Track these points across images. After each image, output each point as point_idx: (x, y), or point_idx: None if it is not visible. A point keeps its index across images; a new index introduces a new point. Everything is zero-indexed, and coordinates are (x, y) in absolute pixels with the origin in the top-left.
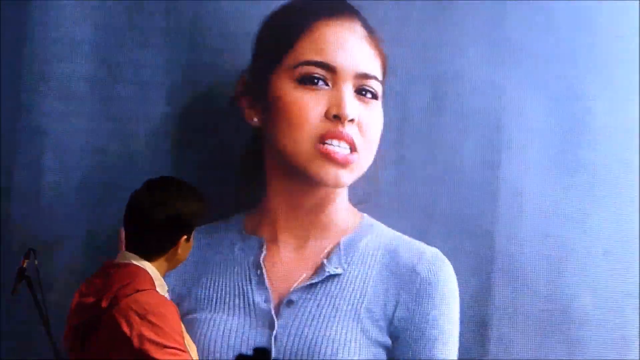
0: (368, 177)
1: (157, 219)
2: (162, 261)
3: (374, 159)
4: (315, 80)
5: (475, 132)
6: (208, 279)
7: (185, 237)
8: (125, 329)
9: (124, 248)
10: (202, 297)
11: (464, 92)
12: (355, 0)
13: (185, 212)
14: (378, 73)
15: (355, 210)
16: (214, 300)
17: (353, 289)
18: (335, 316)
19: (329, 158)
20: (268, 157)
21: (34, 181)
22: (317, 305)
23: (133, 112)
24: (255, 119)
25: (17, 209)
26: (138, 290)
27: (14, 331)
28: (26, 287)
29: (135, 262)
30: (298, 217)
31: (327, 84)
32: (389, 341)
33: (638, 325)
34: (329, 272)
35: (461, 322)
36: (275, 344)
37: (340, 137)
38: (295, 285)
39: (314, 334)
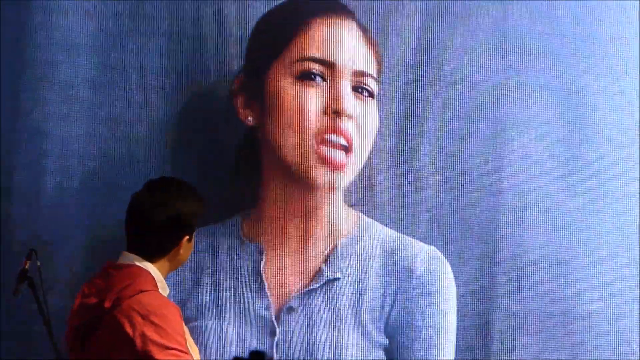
0: (365, 182)
1: (158, 220)
2: (164, 262)
3: (374, 162)
4: (313, 76)
5: (479, 131)
6: (207, 286)
7: (187, 237)
8: (128, 329)
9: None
10: (202, 304)
11: (467, 91)
12: (359, 0)
13: (185, 212)
14: (374, 72)
15: (351, 210)
16: (214, 308)
17: (352, 293)
18: (335, 321)
19: (324, 161)
20: (263, 157)
21: (35, 182)
22: (318, 311)
23: (134, 114)
24: (250, 118)
25: (18, 210)
26: (141, 291)
27: (14, 331)
28: (27, 287)
29: (137, 263)
30: (295, 221)
31: (324, 80)
32: (387, 341)
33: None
34: (327, 277)
35: (464, 324)
36: (277, 351)
37: (339, 131)
38: (294, 292)
39: (315, 339)
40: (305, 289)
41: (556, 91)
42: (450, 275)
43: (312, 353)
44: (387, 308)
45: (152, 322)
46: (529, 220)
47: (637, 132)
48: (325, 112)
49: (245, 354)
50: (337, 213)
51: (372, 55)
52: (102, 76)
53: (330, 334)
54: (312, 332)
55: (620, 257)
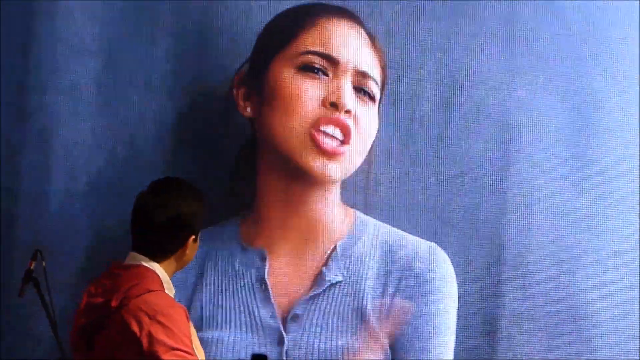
0: (370, 183)
1: (160, 221)
2: (170, 262)
3: (379, 163)
4: (316, 70)
5: (485, 132)
6: (210, 294)
7: (192, 237)
8: (135, 328)
9: None
10: (207, 314)
11: (474, 92)
12: (364, 0)
13: (185, 212)
14: (377, 77)
15: (347, 208)
16: (219, 317)
17: (355, 294)
18: (342, 324)
19: (318, 147)
20: (260, 152)
21: (41, 182)
22: (323, 316)
23: (141, 113)
24: (249, 109)
25: (24, 210)
26: (148, 291)
27: (16, 331)
28: (33, 288)
29: (144, 264)
30: (293, 223)
31: (326, 75)
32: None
33: None
34: (329, 280)
35: (470, 325)
36: None
37: (335, 123)
38: (298, 298)
39: (324, 345)
40: (308, 295)
41: (563, 92)
42: (451, 272)
43: (322, 359)
44: (386, 307)
45: (159, 322)
46: (535, 222)
47: None
48: (324, 104)
49: None
50: (335, 213)
51: (376, 61)
52: (108, 77)
53: (338, 338)
54: (319, 338)
55: (627, 258)
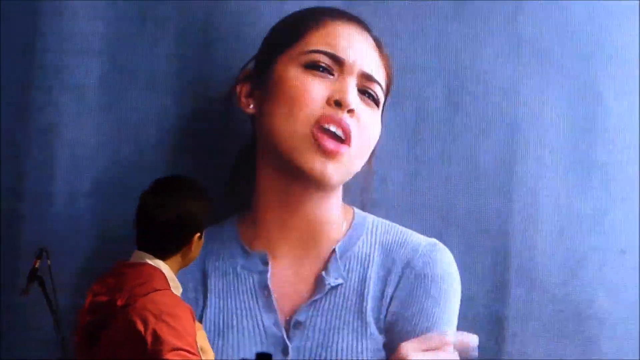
0: (377, 183)
1: (166, 220)
2: (175, 260)
3: (387, 163)
4: (321, 69)
5: (491, 132)
6: (212, 299)
7: (197, 235)
8: (140, 328)
9: None
10: (209, 319)
11: (480, 92)
12: (372, 0)
13: (192, 211)
14: (382, 81)
15: (346, 206)
16: (222, 323)
17: (356, 297)
18: (344, 329)
19: (319, 146)
20: (260, 151)
21: (45, 181)
22: (325, 322)
23: (145, 113)
24: (252, 106)
25: (28, 210)
26: (155, 290)
27: (19, 330)
28: (38, 287)
29: (149, 262)
30: (293, 225)
31: (331, 74)
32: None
33: None
34: (329, 284)
35: (476, 325)
36: None
37: (338, 122)
38: (299, 303)
39: (328, 352)
40: (309, 300)
41: (569, 91)
42: (453, 267)
43: None
44: (385, 305)
45: (164, 321)
46: (541, 222)
47: None
48: (328, 103)
49: None
50: (335, 214)
51: (382, 66)
52: (112, 77)
53: (341, 344)
54: (323, 345)
55: (633, 258)
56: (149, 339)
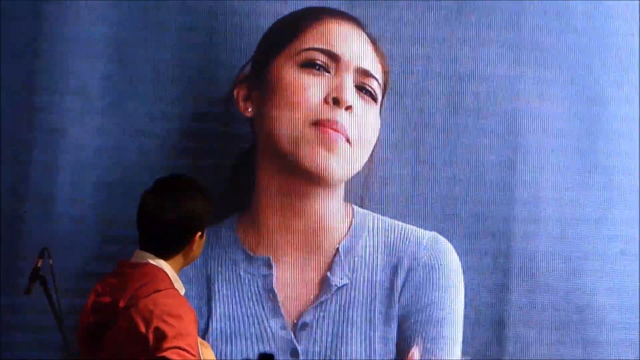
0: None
1: (169, 220)
2: (177, 259)
3: (388, 158)
4: (317, 67)
5: (492, 133)
6: (217, 304)
7: (199, 233)
8: (142, 328)
9: None
10: (215, 327)
11: (481, 93)
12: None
13: (196, 211)
14: (379, 77)
15: (346, 204)
16: (229, 330)
17: (362, 296)
18: (352, 331)
19: (319, 139)
20: (260, 153)
21: (48, 182)
22: (333, 323)
23: (148, 113)
24: (250, 109)
25: (32, 209)
26: (157, 290)
27: (22, 329)
28: (40, 286)
29: (151, 262)
30: (295, 226)
31: (328, 72)
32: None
33: None
34: (336, 285)
35: (478, 319)
36: None
37: (335, 127)
38: (305, 305)
39: (336, 354)
40: (316, 302)
41: (570, 86)
42: (456, 260)
43: None
44: (395, 300)
45: (166, 321)
46: (542, 216)
47: None
48: (326, 101)
49: None
50: (337, 213)
51: (378, 62)
52: (115, 77)
53: (349, 345)
54: (332, 347)
55: (634, 253)
56: (151, 337)
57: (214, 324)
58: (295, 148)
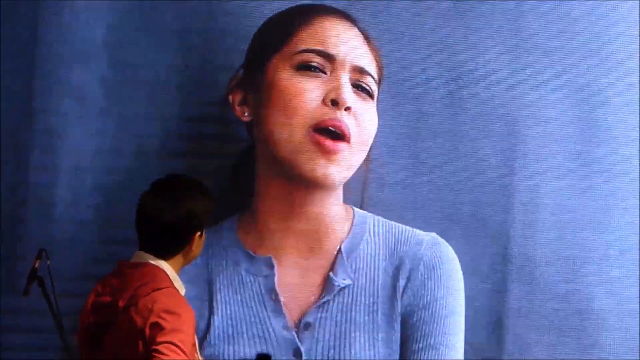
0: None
1: (168, 221)
2: (177, 259)
3: (386, 161)
4: (313, 69)
5: (491, 132)
6: (219, 307)
7: (198, 233)
8: (140, 324)
9: None
10: (217, 327)
11: (480, 92)
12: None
13: (192, 211)
14: (374, 73)
15: (346, 206)
16: (231, 330)
17: (365, 297)
18: (355, 331)
19: (318, 147)
20: (259, 157)
21: (47, 184)
22: (335, 324)
23: (147, 114)
24: (247, 113)
25: (31, 212)
26: (157, 289)
27: (20, 330)
28: (38, 287)
29: (151, 262)
30: (296, 227)
31: (324, 73)
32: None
33: None
34: (338, 285)
35: (477, 322)
36: None
37: (336, 122)
38: (308, 306)
39: (339, 354)
40: (318, 302)
41: (569, 90)
42: (456, 259)
43: None
44: (398, 300)
45: (162, 317)
46: (541, 219)
47: None
48: (324, 103)
49: None
50: (337, 213)
51: (372, 58)
52: (113, 74)
53: (352, 346)
54: (334, 347)
55: (633, 256)
56: (147, 331)
57: (216, 323)
58: (294, 155)
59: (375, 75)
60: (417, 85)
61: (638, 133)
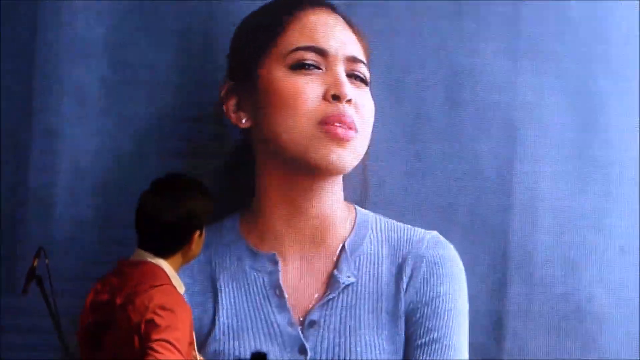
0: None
1: (167, 221)
2: (176, 258)
3: (385, 162)
4: (308, 66)
5: (490, 130)
6: (224, 302)
7: (198, 232)
8: (136, 321)
9: None
10: (222, 323)
11: (479, 90)
12: (370, 0)
13: (191, 210)
14: (364, 58)
15: (348, 203)
16: (236, 325)
17: (369, 295)
18: (360, 329)
19: (330, 136)
20: (259, 158)
21: (47, 184)
22: (340, 321)
23: (146, 113)
24: (244, 120)
25: (30, 212)
26: (154, 286)
27: (18, 329)
28: (37, 286)
29: (151, 260)
30: (300, 223)
31: (319, 68)
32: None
33: None
34: (343, 283)
35: (476, 323)
36: None
37: (341, 116)
38: (313, 303)
39: (345, 352)
40: (323, 299)
41: (568, 91)
42: (457, 257)
43: None
44: (401, 298)
45: (158, 314)
46: (540, 221)
47: None
48: (325, 98)
49: None
50: (340, 210)
51: (358, 42)
52: (113, 74)
53: (357, 344)
54: (339, 345)
55: (632, 256)
56: (142, 327)
57: (221, 319)
58: (306, 149)
59: (365, 60)
60: (415, 86)
61: (637, 134)
